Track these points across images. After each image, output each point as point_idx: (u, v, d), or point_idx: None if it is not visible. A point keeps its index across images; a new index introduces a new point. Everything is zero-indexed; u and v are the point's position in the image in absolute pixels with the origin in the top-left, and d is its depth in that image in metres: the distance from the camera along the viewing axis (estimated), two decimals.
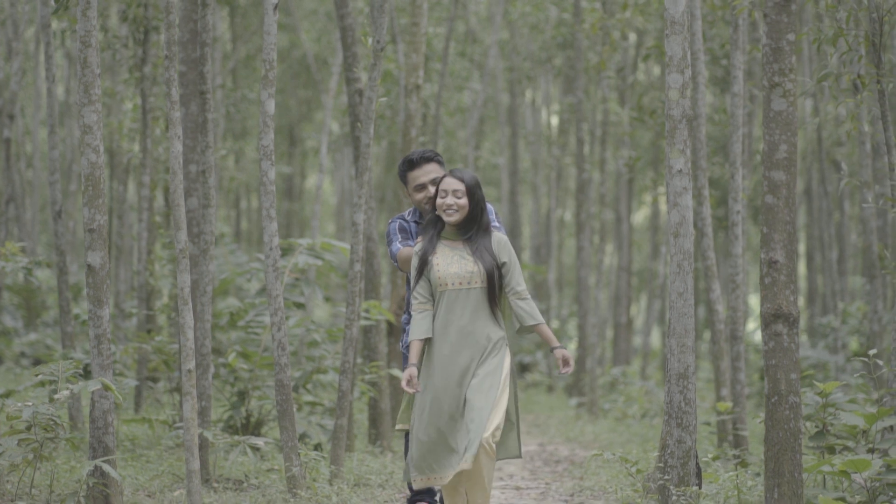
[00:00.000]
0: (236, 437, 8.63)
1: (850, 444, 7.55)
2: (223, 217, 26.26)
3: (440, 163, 6.60)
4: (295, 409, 8.31)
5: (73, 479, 8.00)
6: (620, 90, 20.08)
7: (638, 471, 7.97)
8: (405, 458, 6.29)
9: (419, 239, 6.27)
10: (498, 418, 5.94)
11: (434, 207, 6.22)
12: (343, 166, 26.09)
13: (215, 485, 8.24)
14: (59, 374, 7.60)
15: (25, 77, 22.58)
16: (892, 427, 7.41)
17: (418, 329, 6.12)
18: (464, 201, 6.14)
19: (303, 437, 9.98)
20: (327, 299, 12.36)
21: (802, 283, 25.60)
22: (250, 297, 12.23)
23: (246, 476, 8.67)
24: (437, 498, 6.62)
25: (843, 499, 6.82)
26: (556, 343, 6.10)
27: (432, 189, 6.49)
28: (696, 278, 18.84)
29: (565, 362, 6.06)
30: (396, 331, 11.48)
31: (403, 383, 6.03)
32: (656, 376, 23.88)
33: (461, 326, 6.07)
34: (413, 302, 6.19)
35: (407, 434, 6.43)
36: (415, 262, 6.20)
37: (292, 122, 27.51)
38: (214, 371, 10.41)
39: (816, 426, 7.62)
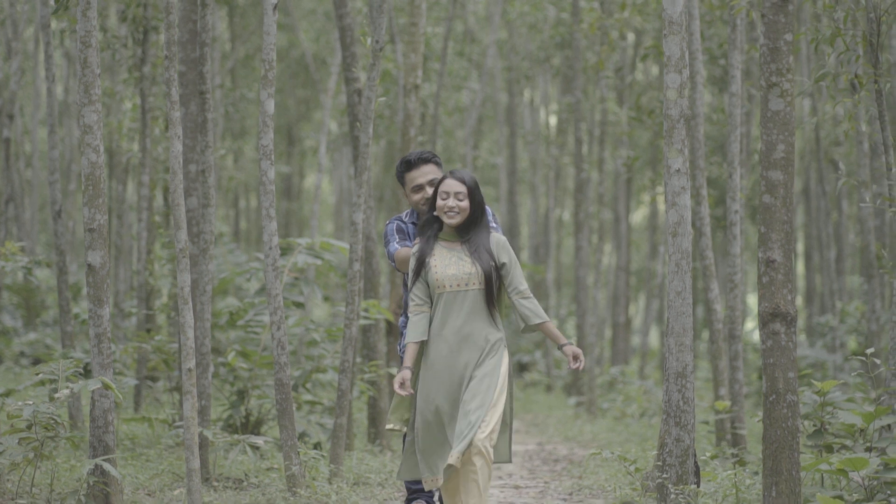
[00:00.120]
0: (236, 436, 8.65)
1: (848, 442, 7.58)
2: (222, 216, 26.27)
3: (438, 164, 6.60)
4: (294, 408, 8.34)
5: (73, 477, 8.01)
6: (619, 90, 20.10)
7: (636, 469, 7.99)
8: (402, 456, 6.29)
9: (417, 240, 6.24)
10: (494, 421, 5.90)
11: (431, 208, 6.19)
12: (342, 166, 26.10)
13: (215, 483, 8.26)
14: (59, 373, 7.62)
15: (24, 77, 22.60)
16: (889, 426, 7.44)
17: (414, 331, 6.07)
18: (465, 204, 6.09)
19: (302, 435, 10.00)
20: (326, 298, 12.40)
21: (801, 283, 25.63)
22: (249, 296, 12.25)
23: (246, 475, 8.69)
24: (437, 498, 6.64)
25: (840, 497, 6.84)
26: (563, 340, 6.04)
27: (430, 190, 6.49)
28: (694, 278, 18.86)
29: (576, 358, 6.00)
30: (395, 330, 11.50)
31: (396, 386, 5.98)
32: (655, 375, 23.91)
33: (459, 328, 6.02)
34: (410, 304, 6.15)
35: (405, 434, 6.43)
36: (412, 264, 6.15)
37: (291, 122, 27.53)
38: (214, 370, 10.42)
39: (814, 425, 7.64)
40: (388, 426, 6.22)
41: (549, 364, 22.00)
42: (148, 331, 12.67)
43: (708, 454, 9.40)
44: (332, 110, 20.33)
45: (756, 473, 8.27)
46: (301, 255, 10.52)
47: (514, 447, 12.30)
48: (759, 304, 6.49)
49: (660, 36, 16.62)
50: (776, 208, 6.50)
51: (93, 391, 7.13)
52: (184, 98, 9.05)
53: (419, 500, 6.59)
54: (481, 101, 23.78)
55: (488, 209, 6.38)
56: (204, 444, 8.34)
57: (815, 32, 8.22)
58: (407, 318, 6.48)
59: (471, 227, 6.13)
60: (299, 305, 10.79)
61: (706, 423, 11.40)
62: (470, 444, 5.85)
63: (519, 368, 23.24)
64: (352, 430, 10.04)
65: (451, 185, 6.10)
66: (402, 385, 5.98)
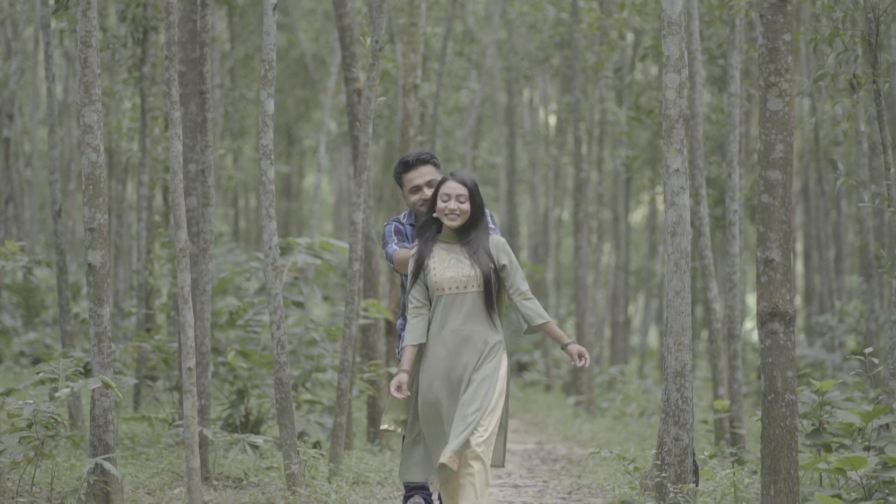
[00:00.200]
0: (236, 436, 8.66)
1: (847, 441, 7.59)
2: (221, 216, 26.28)
3: (436, 165, 6.58)
4: (294, 408, 8.35)
5: (73, 476, 8.03)
6: (618, 90, 20.11)
7: (635, 468, 8.00)
8: (402, 457, 6.29)
9: (415, 242, 6.21)
10: (492, 426, 5.87)
11: (430, 209, 6.14)
12: (341, 165, 26.12)
13: (215, 482, 8.28)
14: (59, 372, 7.63)
15: (24, 76, 22.61)
16: (887, 425, 7.46)
17: (412, 334, 6.01)
18: (466, 206, 6.03)
19: (302, 435, 10.01)
20: (326, 298, 12.42)
21: (800, 282, 25.65)
22: (249, 296, 12.26)
23: (245, 474, 8.71)
24: (436, 497, 6.65)
25: (839, 496, 6.85)
26: (566, 339, 5.99)
27: (428, 191, 6.48)
28: (693, 277, 18.87)
29: (580, 356, 5.96)
30: (395, 329, 11.51)
31: (392, 389, 5.93)
32: (654, 375, 23.92)
33: (458, 330, 5.98)
34: (408, 306, 6.11)
35: (403, 436, 6.43)
36: (411, 266, 6.10)
37: (290, 122, 27.55)
38: (214, 369, 10.44)
39: (813, 424, 7.66)
40: (383, 426, 6.21)
41: (548, 363, 22.01)
42: (148, 330, 12.68)
43: (707, 453, 9.41)
44: (332, 110, 20.34)
45: (755, 472, 8.29)
46: (300, 255, 10.53)
47: (513, 446, 12.36)
48: (758, 304, 6.51)
49: (659, 36, 16.63)
50: (775, 208, 6.52)
51: (93, 390, 7.14)
52: (184, 98, 9.06)
53: (417, 496, 6.60)
54: (480, 101, 23.79)
55: (486, 211, 6.37)
56: (204, 443, 8.36)
57: (814, 32, 8.24)
58: (405, 319, 6.47)
59: (470, 230, 6.08)
60: (299, 305, 10.81)
61: (705, 422, 11.42)
62: (466, 447, 5.83)
63: (518, 368, 23.25)
64: (351, 429, 10.06)
65: (453, 187, 6.04)
66: (398, 388, 5.93)
